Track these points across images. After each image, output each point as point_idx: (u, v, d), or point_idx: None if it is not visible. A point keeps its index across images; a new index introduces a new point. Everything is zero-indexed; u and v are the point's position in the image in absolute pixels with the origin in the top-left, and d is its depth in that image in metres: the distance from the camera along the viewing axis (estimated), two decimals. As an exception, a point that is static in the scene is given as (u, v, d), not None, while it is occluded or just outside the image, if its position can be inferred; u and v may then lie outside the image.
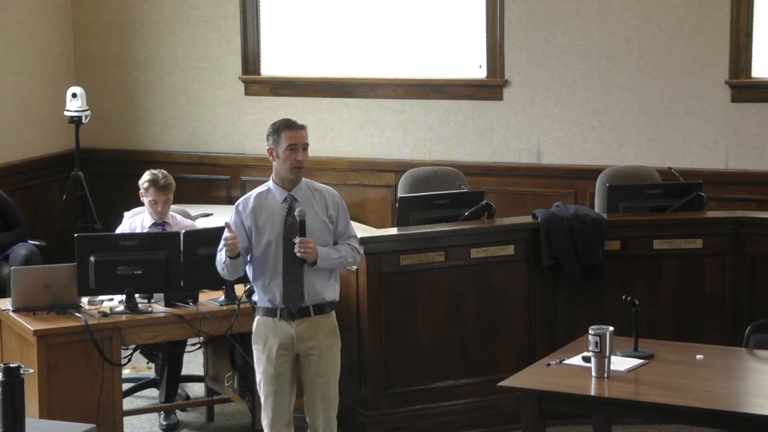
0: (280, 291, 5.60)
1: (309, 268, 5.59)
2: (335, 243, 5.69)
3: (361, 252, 5.88)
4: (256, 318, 5.72)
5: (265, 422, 5.72)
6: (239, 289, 6.50)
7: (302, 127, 5.69)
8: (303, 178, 5.71)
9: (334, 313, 5.73)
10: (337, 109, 9.24)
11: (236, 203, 5.73)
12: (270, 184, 5.70)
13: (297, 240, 5.53)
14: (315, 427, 5.73)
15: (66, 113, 9.03)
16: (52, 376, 6.07)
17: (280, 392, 5.66)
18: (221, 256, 5.64)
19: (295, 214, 5.56)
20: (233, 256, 5.55)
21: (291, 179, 5.65)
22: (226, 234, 5.58)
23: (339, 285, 5.76)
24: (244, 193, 9.30)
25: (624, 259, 7.06)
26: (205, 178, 9.56)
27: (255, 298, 5.73)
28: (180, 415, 7.18)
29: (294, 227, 5.57)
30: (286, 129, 5.65)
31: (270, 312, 5.65)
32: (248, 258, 5.66)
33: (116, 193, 9.35)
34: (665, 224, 7.13)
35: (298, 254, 5.53)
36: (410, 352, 6.77)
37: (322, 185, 5.79)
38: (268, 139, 5.69)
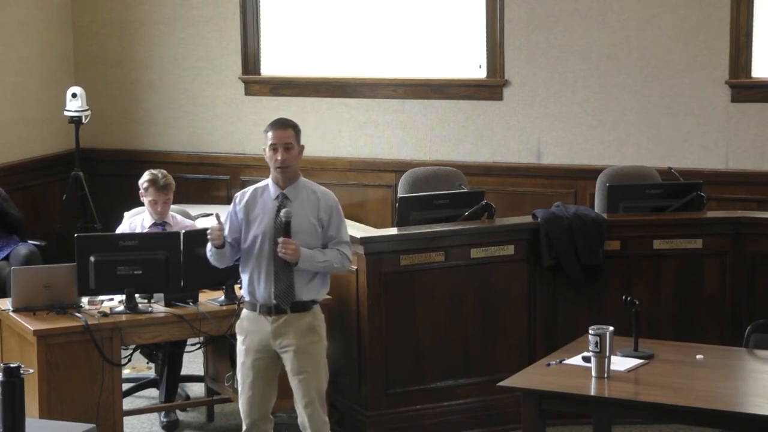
0: (264, 287, 5.67)
1: (295, 268, 5.64)
2: (325, 246, 5.72)
3: (351, 257, 5.85)
4: (243, 310, 5.83)
5: (242, 415, 5.80)
6: (239, 289, 6.50)
7: (287, 126, 5.73)
8: (304, 179, 5.76)
9: (316, 311, 5.75)
10: (337, 109, 9.24)
11: (235, 195, 5.83)
12: (269, 180, 5.77)
13: (280, 240, 5.59)
14: (302, 424, 5.79)
15: (66, 113, 9.03)
16: (52, 376, 6.07)
17: (255, 386, 5.73)
18: (209, 244, 5.74)
19: (281, 214, 5.62)
20: (216, 246, 5.66)
21: (281, 178, 5.70)
22: (213, 224, 5.68)
23: (327, 287, 5.80)
24: (245, 193, 9.43)
25: (624, 259, 7.06)
26: (205, 178, 9.56)
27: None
28: (180, 415, 7.18)
29: (282, 226, 5.64)
30: (270, 128, 5.73)
31: (251, 306, 5.75)
32: (238, 249, 5.74)
33: (116, 193, 9.34)
34: (665, 224, 7.13)
35: (279, 254, 5.59)
36: (410, 352, 6.77)
37: (322, 188, 5.81)
38: None
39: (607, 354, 5.39)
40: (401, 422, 6.76)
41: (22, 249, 8.20)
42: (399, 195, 7.62)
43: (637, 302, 5.69)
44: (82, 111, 9.00)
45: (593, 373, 5.41)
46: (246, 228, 5.71)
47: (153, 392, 7.36)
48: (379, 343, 6.68)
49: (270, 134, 5.69)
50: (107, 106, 9.72)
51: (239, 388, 5.80)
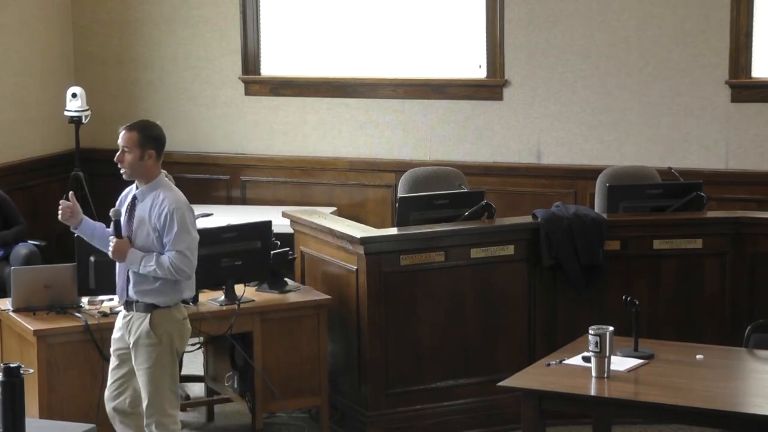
0: (117, 281, 5.77)
1: (129, 268, 5.70)
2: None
3: (184, 268, 5.59)
4: None
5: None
6: (239, 289, 6.51)
7: (131, 129, 5.74)
8: (166, 182, 5.80)
9: (157, 315, 5.66)
10: (337, 109, 9.24)
11: None
12: None
13: (110, 238, 5.70)
14: (141, 415, 5.81)
15: (66, 113, 9.03)
16: (52, 376, 6.08)
17: (114, 374, 5.79)
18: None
19: (110, 213, 5.71)
20: (69, 224, 5.90)
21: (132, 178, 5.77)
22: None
23: (174, 294, 5.66)
24: (244, 194, 9.44)
25: (624, 259, 7.06)
26: (205, 178, 9.55)
27: None
28: (180, 415, 7.16)
29: (126, 225, 5.73)
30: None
31: None
32: None
33: (116, 193, 9.17)
34: (665, 224, 7.13)
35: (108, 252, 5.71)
36: (410, 352, 6.77)
37: (173, 193, 5.75)
38: None
39: (607, 354, 5.40)
40: (401, 422, 6.76)
41: (22, 249, 8.20)
42: (399, 195, 7.62)
43: (637, 302, 5.69)
44: (82, 111, 9.00)
45: (593, 373, 5.41)
46: None
47: (153, 392, 7.35)
48: (379, 343, 6.68)
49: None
50: (107, 106, 9.71)
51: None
